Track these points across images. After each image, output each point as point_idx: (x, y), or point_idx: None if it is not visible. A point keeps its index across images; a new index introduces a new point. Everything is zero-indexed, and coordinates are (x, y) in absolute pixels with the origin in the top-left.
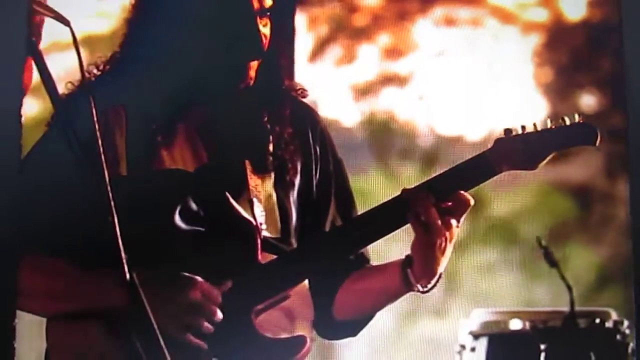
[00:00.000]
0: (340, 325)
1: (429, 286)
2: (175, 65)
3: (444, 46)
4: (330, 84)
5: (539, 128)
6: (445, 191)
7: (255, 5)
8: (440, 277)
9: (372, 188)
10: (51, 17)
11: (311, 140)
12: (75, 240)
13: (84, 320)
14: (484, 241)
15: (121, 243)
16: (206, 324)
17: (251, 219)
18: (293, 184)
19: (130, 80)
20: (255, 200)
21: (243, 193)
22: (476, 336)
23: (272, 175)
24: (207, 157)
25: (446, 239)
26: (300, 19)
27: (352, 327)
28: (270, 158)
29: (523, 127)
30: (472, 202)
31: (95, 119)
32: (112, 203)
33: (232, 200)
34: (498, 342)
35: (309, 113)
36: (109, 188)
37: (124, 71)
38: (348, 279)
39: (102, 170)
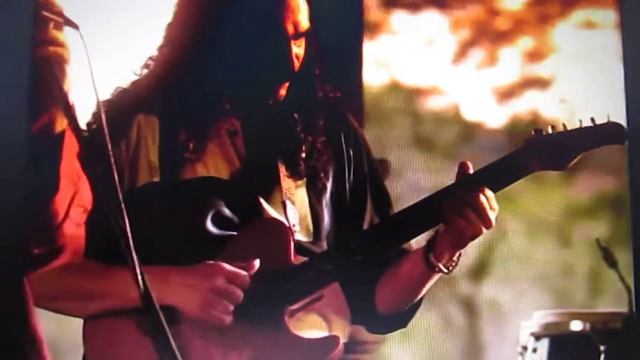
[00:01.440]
0: (386, 318)
1: (452, 267)
2: (209, 77)
3: (585, 49)
4: (473, 87)
5: (568, 128)
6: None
7: (290, 30)
8: (460, 255)
9: (516, 190)
10: (60, 22)
11: (344, 145)
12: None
13: (119, 319)
14: (543, 243)
15: (132, 244)
16: (231, 306)
17: (284, 220)
18: (325, 188)
19: (164, 88)
20: (288, 202)
21: (276, 195)
22: (537, 337)
23: (305, 180)
24: (240, 163)
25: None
26: (444, 22)
27: (399, 318)
28: (303, 165)
29: (553, 127)
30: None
31: (105, 128)
32: (123, 205)
33: (264, 204)
34: (559, 343)
35: (342, 119)
36: (118, 189)
37: (158, 79)
38: (385, 273)
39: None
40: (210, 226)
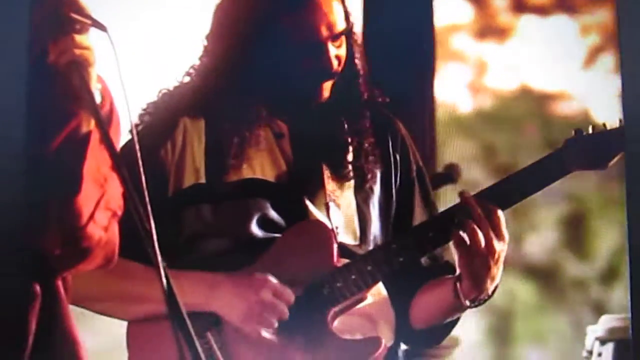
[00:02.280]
0: (420, 334)
1: (478, 302)
2: (252, 79)
3: None
4: (603, 92)
5: (608, 127)
6: (508, 196)
7: (324, 32)
8: (493, 292)
9: None
10: (87, 24)
11: (391, 150)
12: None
13: (164, 323)
14: (609, 247)
15: (158, 250)
16: (276, 320)
17: (328, 222)
18: (372, 192)
19: (208, 93)
20: (332, 204)
21: (320, 197)
22: (603, 342)
23: (352, 182)
24: (286, 165)
25: (490, 259)
26: (573, 26)
27: (432, 335)
28: (349, 167)
29: (593, 127)
30: (500, 213)
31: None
32: (150, 209)
33: (310, 206)
34: (624, 348)
35: (390, 123)
36: (146, 193)
37: (202, 85)
38: (421, 288)
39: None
40: (255, 229)
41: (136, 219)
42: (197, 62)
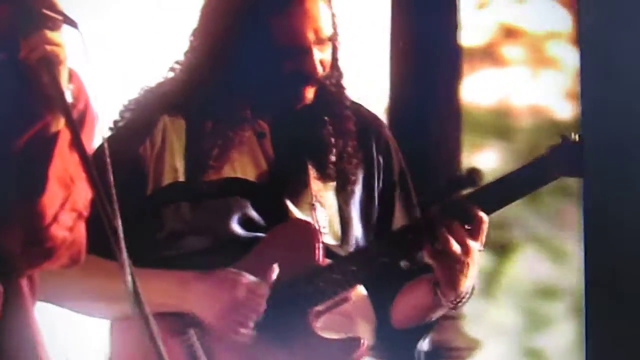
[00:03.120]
0: (400, 333)
1: (458, 304)
2: (236, 79)
3: None
4: None
5: None
6: (492, 201)
7: (311, 37)
8: (470, 294)
9: None
10: (59, 20)
11: (374, 152)
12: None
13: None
14: None
15: (124, 249)
16: (253, 317)
17: (313, 222)
18: (354, 193)
19: (190, 91)
20: (317, 204)
21: (304, 197)
22: None
23: (334, 183)
24: (267, 165)
25: (467, 264)
26: None
27: (412, 335)
28: (332, 168)
29: (580, 136)
30: (485, 219)
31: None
32: (117, 206)
33: (290, 206)
34: None
35: (374, 125)
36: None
37: (184, 82)
38: (404, 288)
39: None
40: (236, 227)
41: (103, 217)
42: (182, 58)
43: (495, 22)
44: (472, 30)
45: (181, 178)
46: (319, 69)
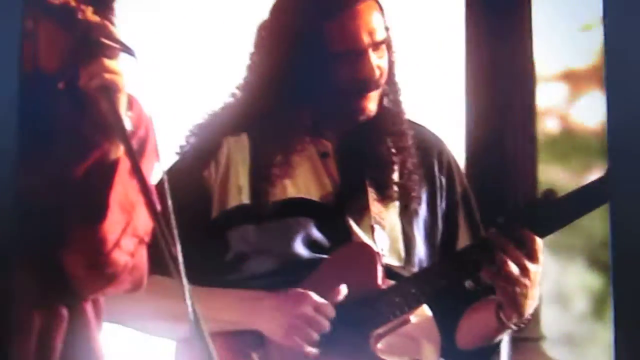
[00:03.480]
0: (465, 355)
1: (522, 323)
2: (296, 92)
3: None
4: None
5: None
6: (547, 223)
7: (366, 39)
8: (533, 315)
9: None
10: (117, 48)
11: (436, 171)
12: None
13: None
14: None
15: (183, 271)
16: (315, 335)
17: (372, 244)
18: (417, 214)
19: (253, 108)
20: (377, 226)
21: (365, 218)
22: None
23: (397, 204)
24: (331, 185)
25: (526, 286)
26: None
27: (478, 356)
28: (394, 187)
29: None
30: (537, 240)
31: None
32: (176, 232)
33: (354, 227)
34: None
35: (435, 143)
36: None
37: (246, 100)
38: (468, 309)
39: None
40: (299, 249)
41: (162, 243)
42: (242, 81)
43: (601, 44)
44: (576, 52)
45: (246, 199)
46: (377, 73)
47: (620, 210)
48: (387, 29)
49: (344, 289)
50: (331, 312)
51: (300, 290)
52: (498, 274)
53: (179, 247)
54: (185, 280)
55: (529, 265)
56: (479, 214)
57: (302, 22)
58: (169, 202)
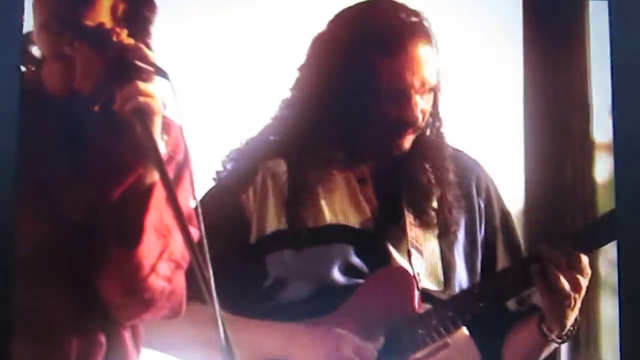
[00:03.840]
0: None
1: (564, 337)
2: (337, 121)
3: None
4: None
5: None
6: (589, 243)
7: (415, 84)
8: (574, 327)
9: None
10: (152, 71)
11: (475, 196)
12: None
13: None
14: None
15: (217, 306)
16: None
17: (409, 268)
18: (457, 239)
19: (292, 134)
20: (414, 250)
21: (403, 244)
22: None
23: (436, 228)
24: (370, 211)
25: (575, 299)
26: None
27: None
28: (433, 213)
29: None
30: (583, 258)
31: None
32: (208, 256)
33: (393, 252)
34: None
35: (474, 168)
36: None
37: (286, 125)
38: (512, 330)
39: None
40: (337, 275)
41: (196, 268)
42: (283, 103)
43: None
44: None
45: (284, 225)
46: (419, 118)
47: None
48: (438, 72)
49: (381, 339)
50: (372, 354)
51: (341, 330)
52: (549, 287)
53: (211, 273)
54: (217, 306)
55: (580, 278)
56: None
57: (352, 54)
58: (202, 228)
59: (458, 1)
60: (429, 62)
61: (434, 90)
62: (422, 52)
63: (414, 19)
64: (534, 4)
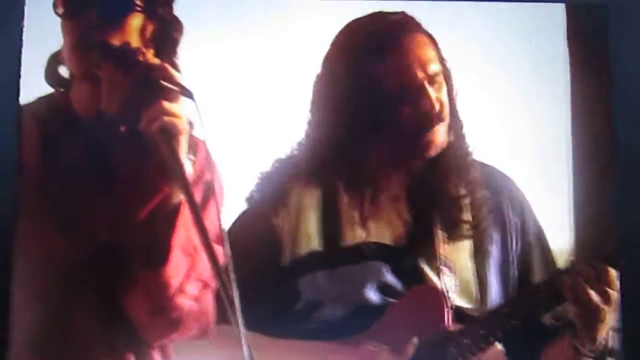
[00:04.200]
0: None
1: (596, 351)
2: (365, 141)
3: None
4: None
5: None
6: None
7: (419, 74)
8: (607, 342)
9: None
10: (177, 91)
11: (508, 211)
12: None
13: None
14: None
15: (242, 327)
16: None
17: (440, 286)
18: (490, 254)
19: (320, 152)
20: (444, 268)
21: (434, 261)
22: None
23: (469, 245)
24: (403, 227)
25: (605, 311)
26: None
27: None
28: (464, 225)
29: None
30: (612, 272)
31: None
32: (233, 276)
33: (426, 270)
34: None
35: (505, 184)
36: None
37: (314, 146)
38: (547, 346)
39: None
40: (371, 295)
41: (220, 288)
42: (308, 129)
43: None
44: None
45: (317, 246)
46: (437, 106)
47: None
48: (442, 60)
49: (415, 341)
50: None
51: (373, 345)
52: (579, 301)
53: (236, 293)
54: (242, 327)
55: (610, 291)
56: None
57: (353, 70)
58: (227, 247)
59: (502, 39)
60: (425, 49)
61: (444, 78)
62: (419, 42)
63: (401, 17)
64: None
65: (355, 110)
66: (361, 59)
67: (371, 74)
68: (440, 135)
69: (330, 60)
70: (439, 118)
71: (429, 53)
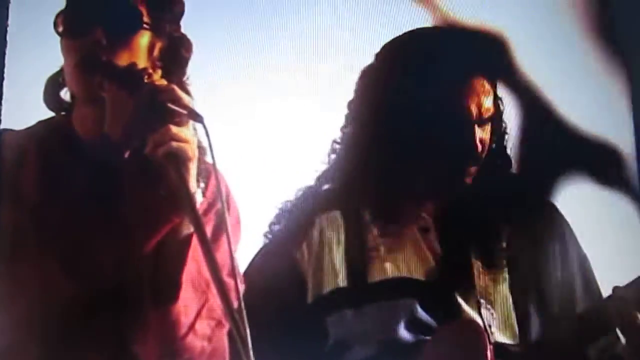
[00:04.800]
0: None
1: None
2: (392, 166)
3: None
4: None
5: None
6: None
7: (474, 112)
8: None
9: None
10: (184, 114)
11: (549, 239)
12: None
13: None
14: None
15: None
16: None
17: (480, 320)
18: (531, 285)
19: (347, 181)
20: (483, 301)
21: (472, 294)
22: None
23: (508, 277)
24: (434, 260)
25: None
26: None
27: None
28: (501, 257)
29: None
30: None
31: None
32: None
33: (462, 304)
34: None
35: (546, 208)
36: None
37: (340, 170)
38: None
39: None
40: (403, 333)
41: (232, 326)
42: (333, 155)
43: None
44: None
45: (342, 281)
46: (479, 147)
47: None
48: (497, 100)
49: None
50: None
51: None
52: (625, 326)
53: (247, 330)
54: None
55: None
56: None
57: (411, 80)
58: (239, 281)
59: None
60: (487, 90)
61: (494, 121)
62: (479, 80)
63: None
64: None
65: (394, 133)
66: (410, 81)
67: (427, 93)
68: (471, 173)
69: (373, 73)
70: (476, 160)
71: (489, 94)
